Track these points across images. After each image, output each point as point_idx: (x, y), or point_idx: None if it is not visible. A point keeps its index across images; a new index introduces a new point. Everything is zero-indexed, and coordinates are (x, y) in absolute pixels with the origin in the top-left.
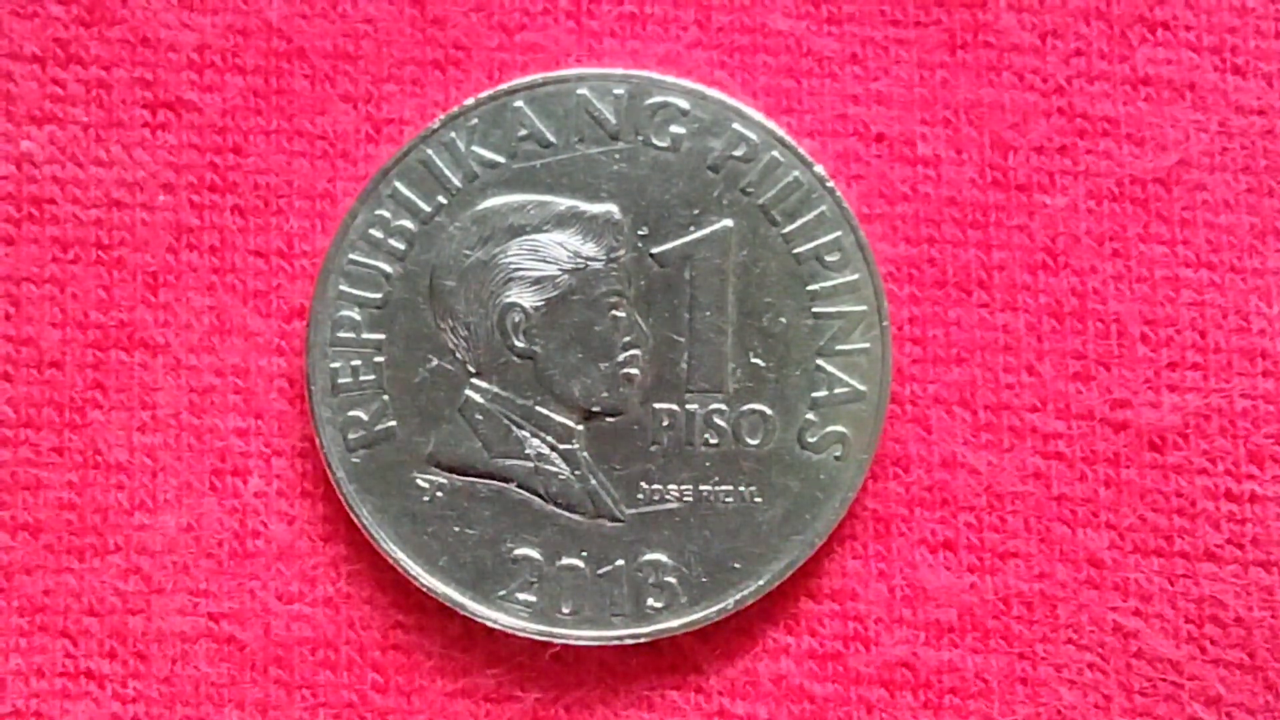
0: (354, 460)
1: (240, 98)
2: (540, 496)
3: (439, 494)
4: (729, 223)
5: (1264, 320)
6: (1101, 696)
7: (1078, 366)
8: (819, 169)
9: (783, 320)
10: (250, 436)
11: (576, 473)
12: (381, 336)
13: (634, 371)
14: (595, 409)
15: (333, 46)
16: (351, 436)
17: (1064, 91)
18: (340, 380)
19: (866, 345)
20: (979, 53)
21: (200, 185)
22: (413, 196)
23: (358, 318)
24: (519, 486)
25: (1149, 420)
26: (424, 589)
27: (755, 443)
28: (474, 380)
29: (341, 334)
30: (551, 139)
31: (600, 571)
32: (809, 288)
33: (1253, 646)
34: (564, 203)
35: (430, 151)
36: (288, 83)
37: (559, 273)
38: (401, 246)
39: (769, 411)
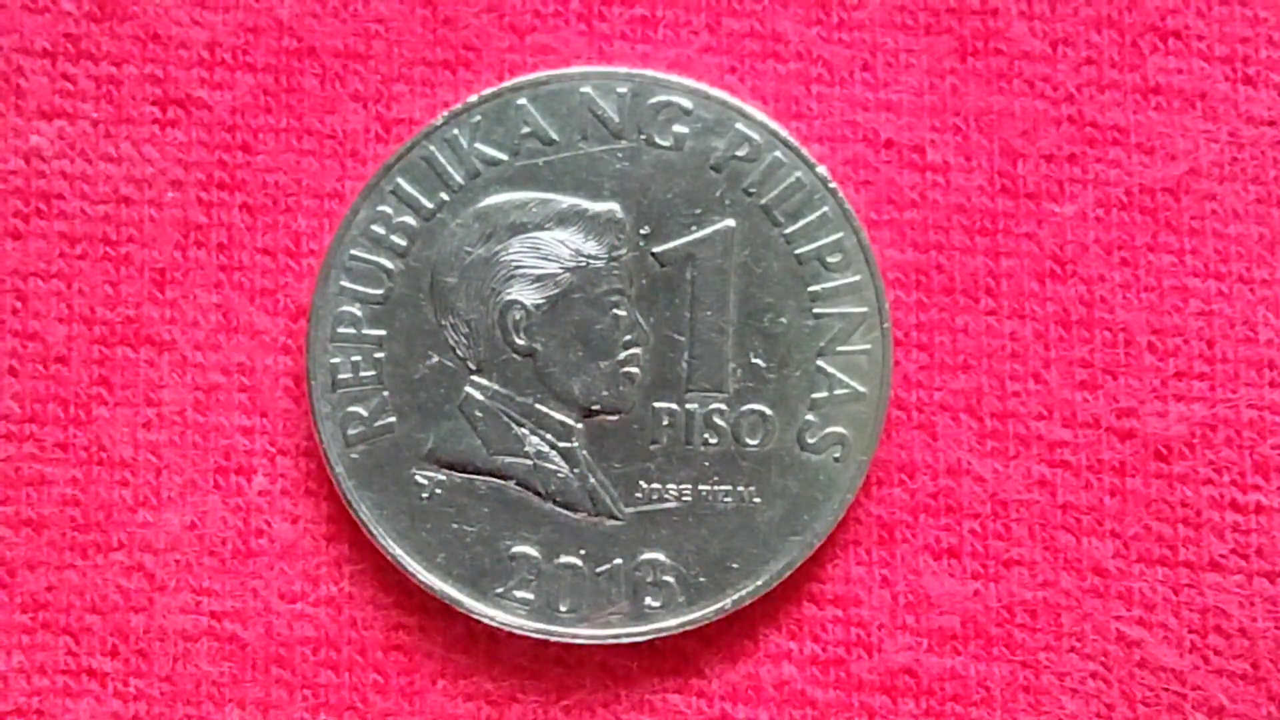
0: (353, 456)
1: (250, 96)
2: (539, 494)
3: (438, 490)
4: (731, 223)
5: (1271, 331)
6: (1104, 706)
7: (1084, 375)
8: (821, 170)
9: (783, 321)
10: (255, 435)
11: (575, 471)
12: (382, 333)
13: (634, 370)
14: (595, 407)
15: (343, 46)
16: (351, 432)
17: (1074, 100)
18: (340, 376)
19: (867, 347)
20: (989, 60)
21: (209, 183)
22: (415, 193)
23: (358, 314)
24: (518, 484)
25: (1155, 429)
26: (421, 585)
27: (755, 443)
28: (474, 377)
29: (342, 330)
30: (554, 137)
31: (598, 570)
32: (810, 288)
33: (1256, 657)
34: (566, 201)
35: (433, 148)
36: (298, 81)
37: (560, 271)
38: (403, 243)
39: (769, 412)
